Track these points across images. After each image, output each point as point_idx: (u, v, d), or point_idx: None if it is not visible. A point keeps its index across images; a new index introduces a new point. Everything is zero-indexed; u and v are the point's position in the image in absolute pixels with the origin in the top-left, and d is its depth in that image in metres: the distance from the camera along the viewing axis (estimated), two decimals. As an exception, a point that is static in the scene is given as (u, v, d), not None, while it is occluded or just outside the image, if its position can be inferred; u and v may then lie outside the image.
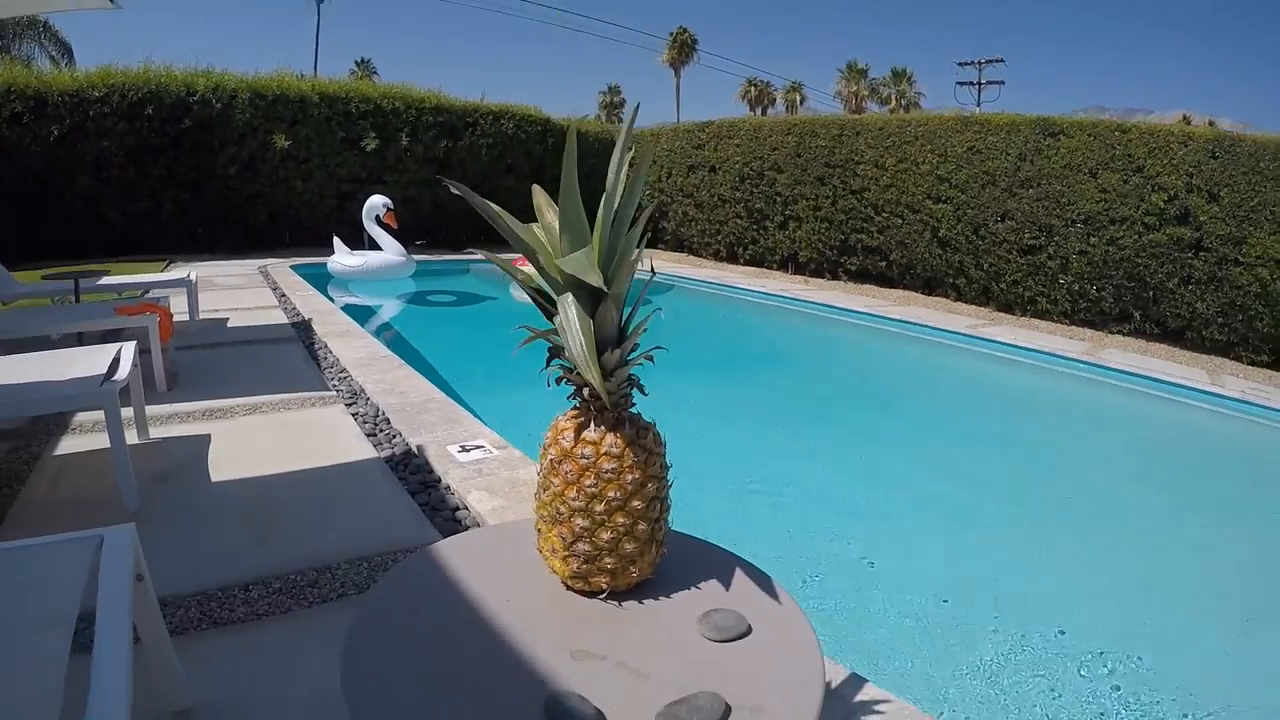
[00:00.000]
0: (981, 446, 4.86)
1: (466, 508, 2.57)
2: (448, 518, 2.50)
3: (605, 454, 1.01)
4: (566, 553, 1.02)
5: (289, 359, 4.58)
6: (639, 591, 1.05)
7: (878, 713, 1.65)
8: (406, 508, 2.55)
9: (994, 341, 7.34)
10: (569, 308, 0.99)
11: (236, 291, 7.25)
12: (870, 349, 7.81)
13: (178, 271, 7.28)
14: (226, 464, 2.86)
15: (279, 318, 5.89)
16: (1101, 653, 2.38)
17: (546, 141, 13.40)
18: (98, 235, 9.72)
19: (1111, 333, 8.11)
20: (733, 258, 12.46)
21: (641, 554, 1.02)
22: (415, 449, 3.06)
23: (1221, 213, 7.15)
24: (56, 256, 9.18)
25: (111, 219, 9.83)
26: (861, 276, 10.54)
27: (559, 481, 1.02)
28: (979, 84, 40.87)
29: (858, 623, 2.58)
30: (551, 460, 1.05)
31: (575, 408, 1.09)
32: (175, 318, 4.60)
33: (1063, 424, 5.73)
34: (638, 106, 1.34)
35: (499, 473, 2.81)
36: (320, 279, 8.64)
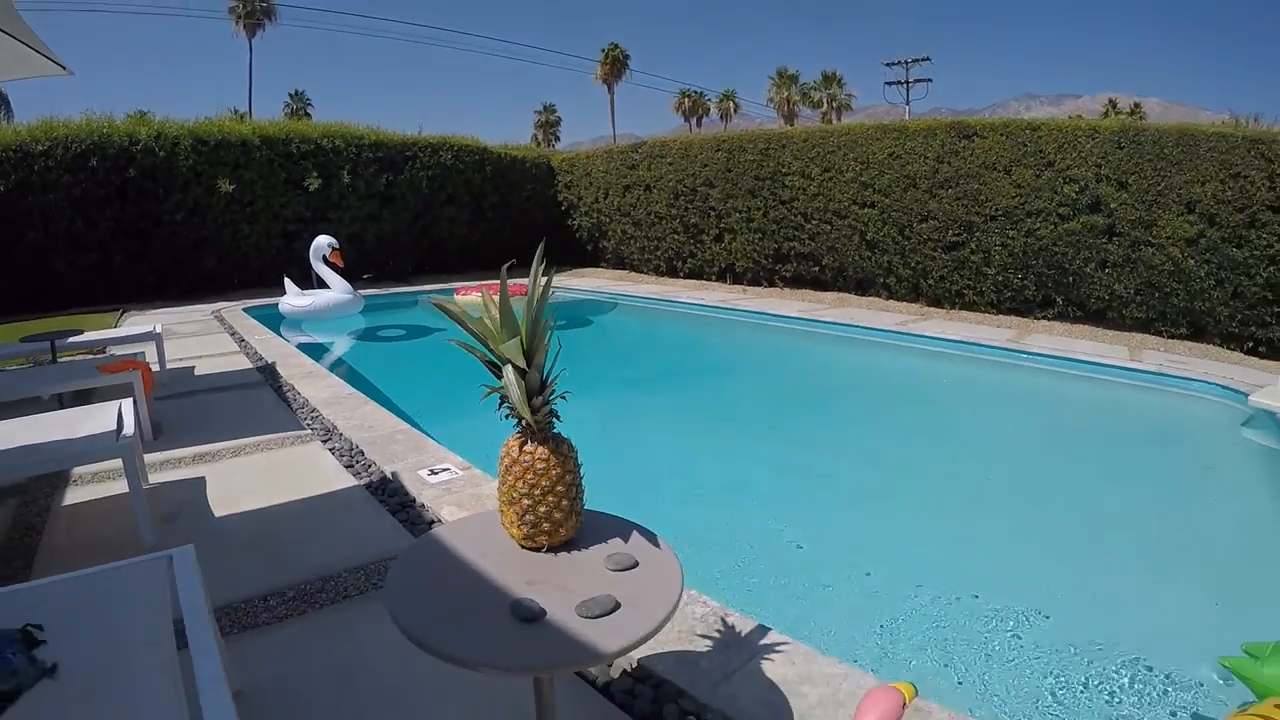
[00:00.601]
0: (907, 436, 5.42)
1: (440, 521, 3.02)
2: (424, 530, 2.96)
3: (538, 459, 1.56)
4: (519, 523, 1.56)
5: (261, 402, 4.96)
6: (566, 546, 1.60)
7: (779, 652, 2.15)
8: (389, 525, 3.00)
9: (922, 336, 7.90)
10: (509, 374, 1.51)
11: (197, 339, 7.54)
12: (804, 351, 8.42)
13: (135, 321, 7.52)
14: (225, 501, 3.27)
15: (243, 363, 6.23)
16: (1007, 607, 2.88)
17: (485, 170, 13.85)
18: (48, 288, 9.87)
19: (1037, 319, 8.76)
20: (673, 272, 13.05)
21: (565, 521, 1.58)
22: (390, 475, 3.51)
23: (1131, 199, 7.78)
24: (8, 311, 9.31)
25: (61, 271, 9.98)
26: (797, 282, 11.20)
27: (510, 478, 1.56)
28: (907, 83, 42.43)
29: (788, 594, 3.09)
30: (505, 465, 1.59)
31: (518, 432, 1.61)
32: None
33: (987, 409, 6.31)
34: (549, 281, 1.89)
35: (465, 490, 3.27)
36: (274, 320, 8.96)
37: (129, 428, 3.05)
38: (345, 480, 3.48)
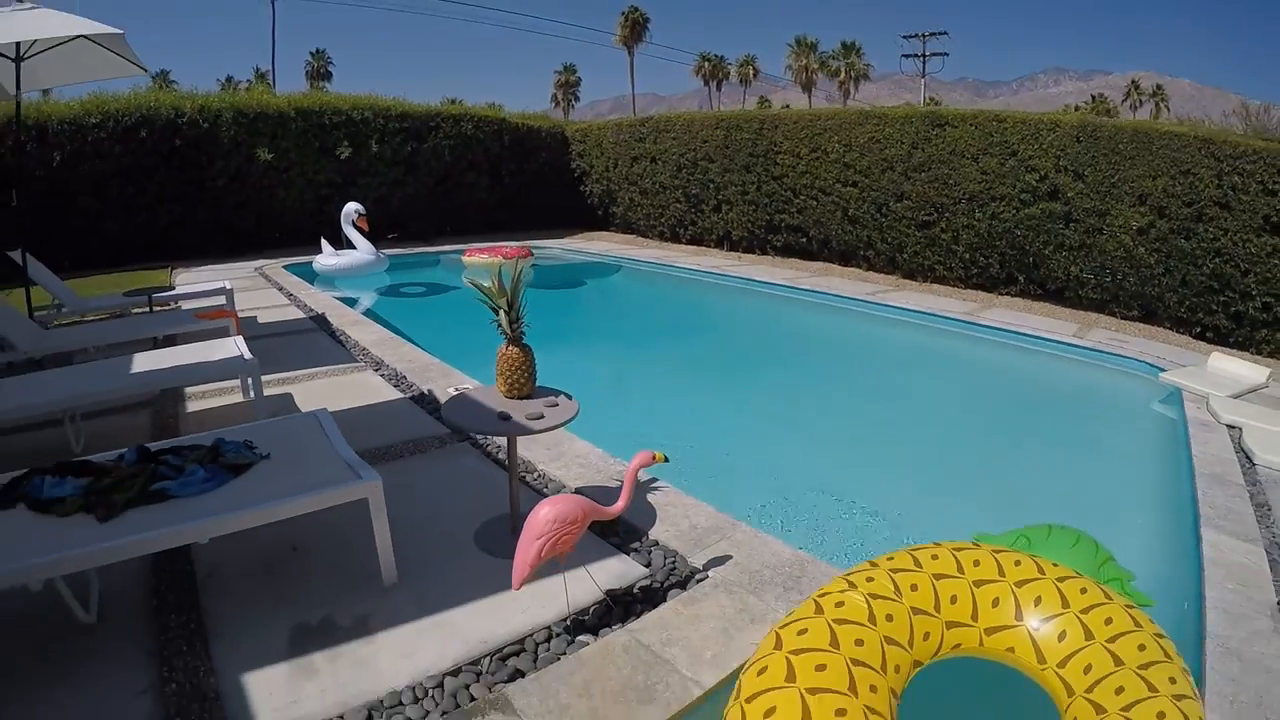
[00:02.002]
0: (845, 386, 6.78)
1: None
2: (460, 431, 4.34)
3: (513, 353, 2.94)
4: (503, 384, 2.96)
5: (320, 343, 6.36)
6: (526, 396, 2.99)
7: (730, 538, 3.50)
8: (428, 420, 4.39)
9: (888, 305, 9.10)
10: (500, 313, 2.85)
11: (247, 293, 8.93)
12: (781, 314, 9.73)
13: (184, 277, 8.90)
14: (309, 406, 4.65)
15: (296, 313, 7.64)
16: (855, 501, 4.22)
17: (503, 139, 15.09)
18: (100, 247, 11.26)
19: (1001, 294, 9.80)
20: (675, 238, 14.32)
21: (526, 384, 2.97)
22: (426, 391, 4.90)
23: (1086, 189, 8.57)
24: (63, 269, 10.73)
25: (112, 232, 11.39)
26: (787, 251, 12.44)
27: (501, 363, 2.94)
28: (923, 56, 42.97)
29: (711, 477, 4.44)
30: (498, 357, 2.96)
31: (505, 341, 2.94)
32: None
33: (925, 370, 7.50)
34: (522, 269, 3.36)
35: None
36: (311, 277, 10.36)
37: (248, 354, 4.43)
38: (394, 394, 4.89)
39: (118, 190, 11.23)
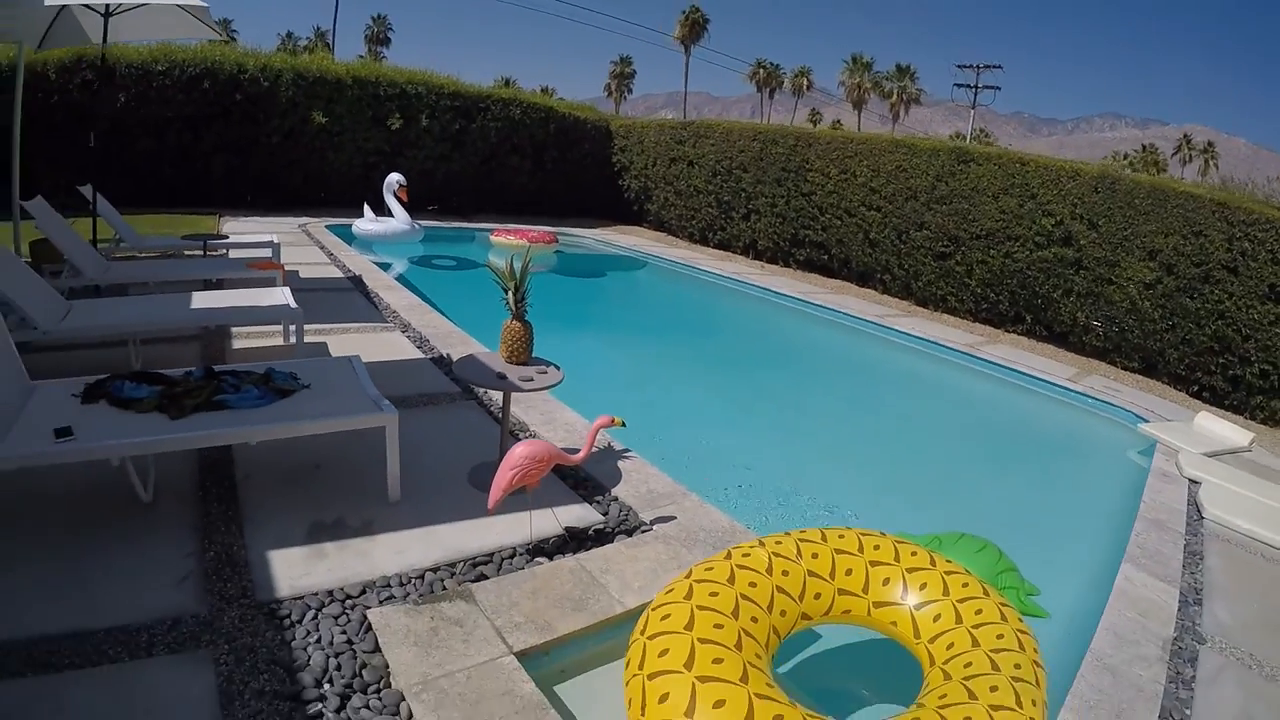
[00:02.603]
0: (833, 399, 7.31)
1: (477, 386, 5.01)
2: (468, 390, 4.95)
3: (516, 327, 3.54)
4: (505, 350, 3.56)
5: (356, 302, 7.00)
6: (523, 363, 3.59)
7: (679, 504, 4.06)
8: (444, 379, 4.99)
9: (894, 330, 9.53)
10: (509, 293, 3.44)
11: (289, 248, 9.60)
12: (789, 326, 10.24)
13: (230, 225, 9.59)
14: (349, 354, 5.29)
15: (336, 272, 8.29)
16: (818, 497, 4.78)
17: (548, 127, 15.72)
18: (155, 189, 12.01)
19: (1008, 331, 10.17)
20: (704, 241, 14.86)
21: (524, 352, 3.58)
22: (445, 355, 5.51)
23: (1099, 239, 8.88)
24: (119, 204, 11.48)
25: (168, 176, 12.17)
26: (808, 266, 12.93)
27: (503, 334, 3.54)
28: (975, 87, 43.16)
29: (702, 468, 5.00)
30: (503, 329, 3.56)
31: (510, 316, 3.53)
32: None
33: (916, 394, 7.95)
34: (529, 262, 3.99)
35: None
36: (350, 238, 11.04)
37: (294, 304, 5.06)
38: (417, 354, 5.50)
39: (176, 136, 12.01)
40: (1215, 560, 4.17)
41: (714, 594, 2.36)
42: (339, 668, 2.25)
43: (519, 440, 3.15)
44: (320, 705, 2.11)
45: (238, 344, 5.51)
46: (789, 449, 5.72)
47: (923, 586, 2.62)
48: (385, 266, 9.67)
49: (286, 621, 2.45)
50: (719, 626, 2.22)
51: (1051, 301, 9.54)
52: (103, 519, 2.98)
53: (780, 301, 10.86)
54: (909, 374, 8.71)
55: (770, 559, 2.62)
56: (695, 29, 62.18)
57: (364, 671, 2.23)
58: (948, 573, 2.66)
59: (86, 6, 6.34)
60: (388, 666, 2.26)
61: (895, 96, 56.48)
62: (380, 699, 2.14)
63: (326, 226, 11.72)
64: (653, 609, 2.32)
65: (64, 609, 2.42)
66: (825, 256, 12.55)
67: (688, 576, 2.46)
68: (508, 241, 11.86)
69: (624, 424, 3.14)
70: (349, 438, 3.49)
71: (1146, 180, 8.99)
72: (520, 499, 3.21)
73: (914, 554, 2.74)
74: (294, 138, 12.94)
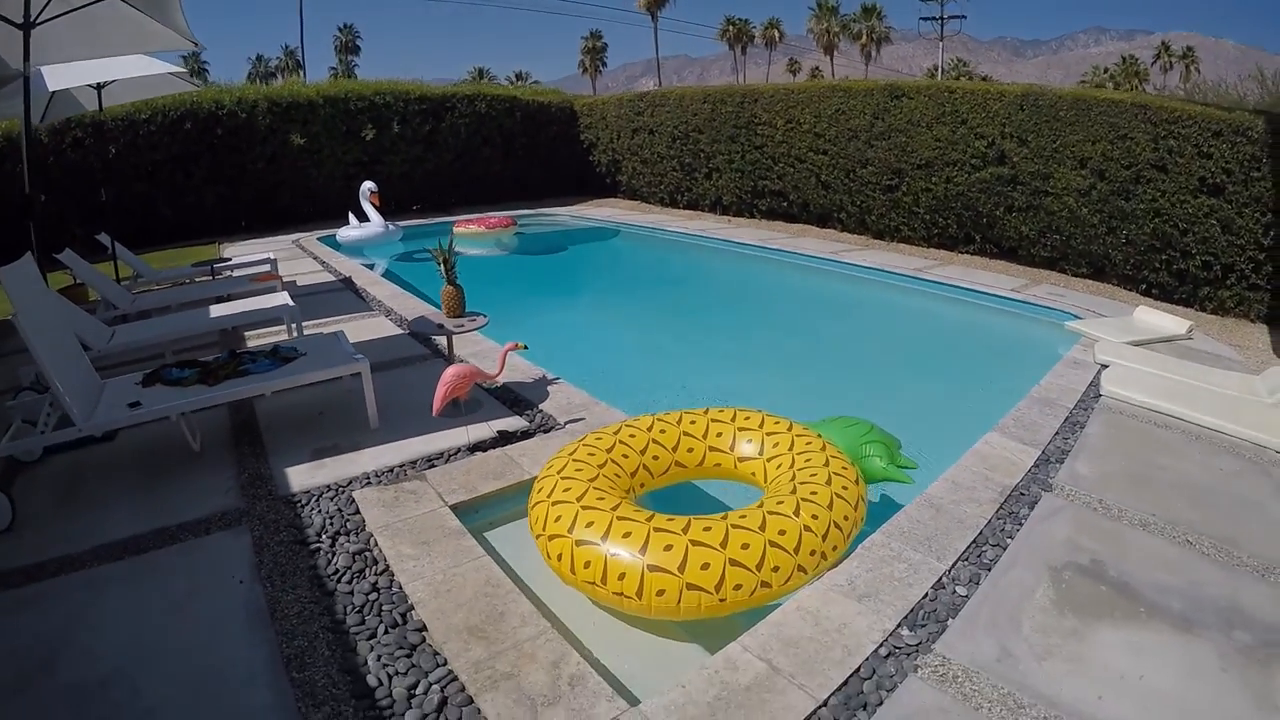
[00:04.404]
0: (777, 328, 8.43)
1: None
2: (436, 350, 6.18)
3: (449, 290, 4.87)
4: (445, 309, 4.99)
5: (347, 298, 8.27)
6: (460, 316, 4.95)
7: (590, 410, 5.27)
8: (419, 346, 6.24)
9: (846, 263, 10.50)
10: (441, 267, 4.67)
11: (286, 261, 10.90)
12: (749, 271, 11.39)
13: (230, 250, 10.86)
14: (335, 342, 6.54)
15: (328, 277, 9.58)
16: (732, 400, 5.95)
17: (514, 115, 16.92)
18: (154, 226, 13.37)
19: (960, 253, 11.02)
20: (674, 203, 16.01)
21: (458, 308, 5.02)
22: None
23: (1030, 154, 9.49)
24: (124, 245, 12.78)
25: (165, 213, 13.52)
26: (771, 214, 14.02)
27: (441, 296, 4.84)
28: (941, 18, 43.49)
29: (634, 387, 6.18)
30: (441, 291, 4.82)
31: (445, 283, 4.76)
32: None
33: (856, 317, 8.95)
34: (452, 243, 5.25)
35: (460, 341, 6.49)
36: (338, 247, 12.31)
37: (291, 303, 6.31)
38: (397, 331, 6.78)
39: (168, 176, 13.35)
40: (1096, 428, 4.58)
41: (591, 452, 3.50)
42: (331, 523, 3.52)
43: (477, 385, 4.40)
44: (318, 544, 3.38)
45: (252, 342, 6.78)
46: (725, 373, 6.78)
47: (775, 444, 3.61)
48: (371, 266, 10.94)
49: (298, 504, 3.73)
50: (585, 466, 3.35)
51: (995, 219, 10.25)
52: (168, 465, 4.29)
53: (740, 250, 11.95)
54: (857, 301, 9.64)
55: (653, 423, 3.77)
56: (659, -7, 62.85)
57: (347, 524, 3.50)
58: (798, 435, 3.64)
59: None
60: (363, 520, 3.52)
61: (864, 38, 57.05)
62: (357, 536, 3.40)
63: (317, 239, 13.03)
64: (549, 461, 3.51)
65: (148, 516, 3.70)
66: (785, 204, 13.62)
67: (580, 440, 3.64)
68: (468, 230, 13.10)
69: (525, 347, 4.35)
70: (344, 392, 4.78)
71: (1069, 92, 9.56)
72: (467, 417, 4.45)
73: (776, 423, 3.73)
74: (277, 161, 14.24)
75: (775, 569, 2.78)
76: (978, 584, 2.99)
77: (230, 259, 9.31)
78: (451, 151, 16.30)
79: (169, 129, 13.21)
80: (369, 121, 14.94)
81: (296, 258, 11.32)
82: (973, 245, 10.87)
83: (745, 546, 2.78)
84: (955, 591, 2.94)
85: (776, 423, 3.74)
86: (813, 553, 2.89)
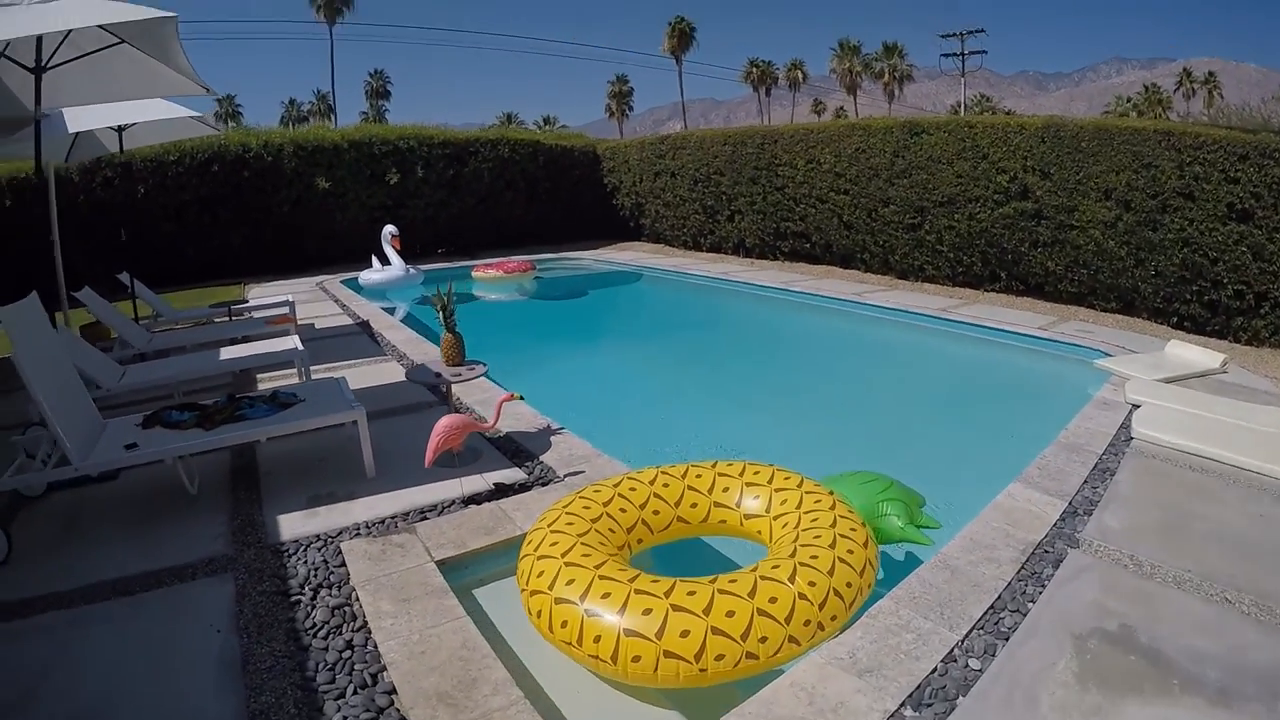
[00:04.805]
0: (792, 372, 8.30)
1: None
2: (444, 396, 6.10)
3: (449, 339, 4.75)
4: (444, 356, 4.81)
5: (362, 342, 8.26)
6: (459, 364, 4.83)
7: (592, 462, 5.14)
8: (425, 393, 6.15)
9: (869, 304, 10.27)
10: (440, 314, 4.60)
11: (308, 304, 10.98)
12: (768, 314, 11.29)
13: (255, 291, 10.97)
14: (352, 383, 6.47)
15: (347, 320, 9.61)
16: (732, 438, 5.80)
17: (537, 160, 17.10)
18: (179, 267, 13.60)
19: (987, 291, 10.80)
20: (697, 246, 15.97)
21: (456, 356, 4.85)
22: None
23: (1054, 187, 9.29)
24: (151, 284, 12.92)
25: (191, 254, 13.76)
26: (794, 256, 13.92)
27: (441, 344, 4.73)
28: (962, 54, 43.72)
29: (647, 438, 6.04)
30: (441, 339, 4.73)
31: (445, 330, 4.68)
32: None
33: (879, 359, 8.81)
34: (452, 290, 5.22)
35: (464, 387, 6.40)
36: (360, 290, 12.40)
37: (300, 346, 6.29)
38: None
39: (195, 217, 13.61)
40: (1127, 475, 4.30)
41: (586, 506, 3.35)
42: (315, 575, 3.40)
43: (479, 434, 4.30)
44: (299, 596, 3.27)
45: (263, 385, 6.76)
46: (743, 421, 6.61)
47: (783, 502, 3.41)
48: (391, 310, 10.97)
49: (285, 553, 3.63)
50: (577, 520, 3.20)
51: (1020, 255, 10.02)
52: (164, 507, 4.24)
53: (763, 293, 11.83)
54: (880, 344, 9.47)
55: (656, 476, 3.61)
56: (684, 39, 64.22)
57: (331, 576, 3.38)
58: (808, 492, 3.42)
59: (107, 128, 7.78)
60: (347, 573, 3.40)
61: (887, 76, 57.54)
62: (339, 591, 3.28)
63: (341, 281, 13.15)
64: (543, 514, 3.37)
65: (139, 558, 3.66)
66: (808, 245, 13.51)
67: (578, 493, 3.50)
68: (487, 275, 13.17)
69: (521, 398, 4.26)
70: (345, 438, 4.69)
71: (1090, 122, 9.41)
72: (464, 469, 4.37)
73: (786, 479, 3.53)
74: (302, 204, 14.47)
75: (763, 639, 2.59)
76: (993, 656, 2.77)
77: (248, 301, 9.38)
78: (475, 196, 16.47)
79: (196, 170, 13.51)
80: (393, 165, 15.17)
81: (318, 300, 11.40)
82: (999, 283, 10.66)
83: (730, 614, 2.60)
84: (968, 665, 2.71)
85: (786, 478, 3.55)
86: (807, 623, 2.68)
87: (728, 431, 6.19)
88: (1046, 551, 3.48)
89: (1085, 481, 4.20)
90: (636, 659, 2.53)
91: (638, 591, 2.66)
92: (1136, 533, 3.64)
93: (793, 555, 2.93)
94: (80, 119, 6.77)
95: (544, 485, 4.26)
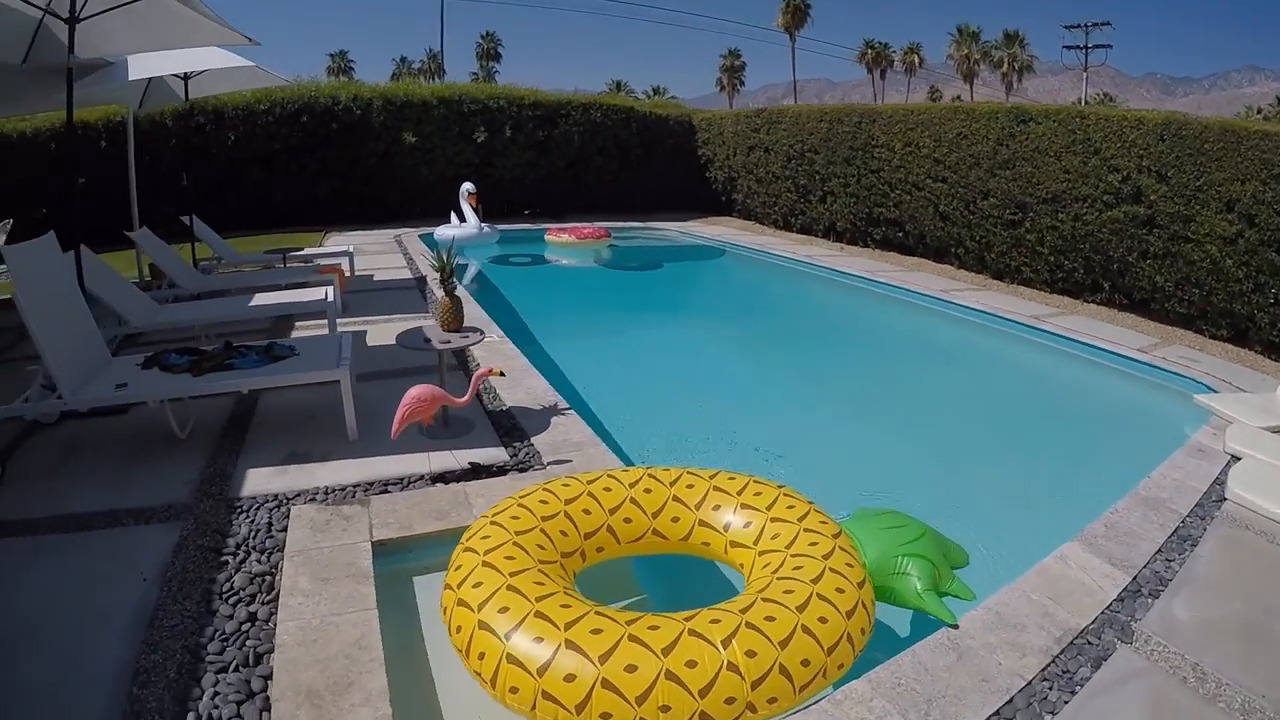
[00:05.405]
0: (861, 372, 7.73)
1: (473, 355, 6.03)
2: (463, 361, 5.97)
3: (444, 300, 4.54)
4: (440, 320, 4.61)
5: (409, 297, 8.27)
6: (457, 330, 4.61)
7: (584, 450, 4.90)
8: (451, 359, 6.03)
9: (955, 303, 9.54)
10: (439, 276, 4.40)
11: (379, 255, 11.13)
12: (847, 303, 10.74)
13: (335, 240, 11.17)
14: (377, 343, 6.44)
15: (407, 274, 9.66)
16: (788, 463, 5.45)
17: (630, 126, 16.84)
18: (266, 213, 14.07)
19: (1086, 302, 9.85)
20: (788, 226, 15.41)
21: (453, 320, 4.59)
22: (463, 339, 6.57)
23: (1170, 192, 8.44)
24: (235, 228, 13.41)
25: (277, 201, 14.19)
26: (885, 245, 13.22)
27: (439, 307, 4.53)
28: (1085, 47, 40.72)
29: (679, 424, 5.76)
30: (439, 302, 4.53)
31: (443, 294, 4.50)
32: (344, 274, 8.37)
33: (958, 367, 7.96)
34: (453, 251, 4.97)
35: (491, 344, 6.24)
36: (438, 246, 12.49)
37: (331, 298, 6.28)
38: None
39: (283, 165, 14.01)
40: (1212, 547, 3.57)
41: (545, 501, 3.01)
42: (254, 538, 3.32)
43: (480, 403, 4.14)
44: (230, 557, 3.19)
45: (297, 332, 6.84)
46: (787, 418, 6.19)
47: (775, 535, 2.92)
48: (464, 267, 11.00)
49: (238, 509, 3.57)
50: (526, 516, 2.89)
51: (1127, 266, 9.15)
52: (153, 447, 4.29)
53: (844, 281, 11.21)
54: (960, 349, 8.76)
55: (641, 478, 3.20)
56: (798, 15, 62.43)
57: (267, 542, 3.28)
58: (808, 528, 2.90)
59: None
60: (284, 540, 3.28)
61: (1005, 65, 54.29)
62: (268, 558, 3.17)
63: (419, 235, 13.31)
64: (498, 503, 3.05)
65: (109, 496, 3.73)
66: (900, 234, 12.80)
67: (544, 484, 3.17)
68: (560, 240, 13.05)
69: (502, 374, 4.05)
70: (340, 397, 4.59)
71: (1217, 122, 8.41)
72: (453, 440, 4.21)
73: (790, 506, 3.04)
74: (389, 158, 14.70)
75: (665, 709, 2.17)
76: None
77: (302, 249, 9.55)
78: (564, 159, 16.37)
79: (286, 120, 13.90)
80: (481, 124, 15.20)
81: (388, 252, 11.54)
82: (1100, 294, 9.72)
83: (631, 669, 2.20)
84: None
85: (790, 506, 3.04)
86: (729, 700, 2.21)
87: (765, 430, 5.78)
88: (1090, 643, 2.82)
89: (1159, 551, 3.50)
90: (514, 690, 2.25)
91: (538, 615, 2.35)
92: (1208, 630, 2.92)
93: (744, 609, 2.46)
94: (142, 67, 6.94)
95: (522, 471, 4.03)
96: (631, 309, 10.51)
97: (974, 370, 7.96)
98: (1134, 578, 3.26)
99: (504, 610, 2.37)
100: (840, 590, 2.57)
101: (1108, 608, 3.04)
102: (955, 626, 2.82)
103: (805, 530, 2.89)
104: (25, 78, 6.27)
